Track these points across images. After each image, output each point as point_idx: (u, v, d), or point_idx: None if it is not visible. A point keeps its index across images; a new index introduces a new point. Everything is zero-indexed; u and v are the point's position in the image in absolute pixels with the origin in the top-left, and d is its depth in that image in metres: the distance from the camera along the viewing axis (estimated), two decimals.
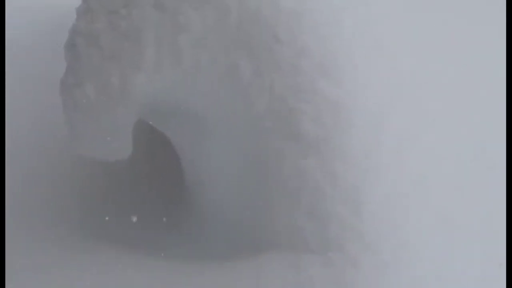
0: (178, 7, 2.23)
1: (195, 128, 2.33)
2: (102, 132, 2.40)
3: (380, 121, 1.94)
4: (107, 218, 2.60)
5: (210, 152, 2.29)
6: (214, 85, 2.15)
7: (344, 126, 1.92)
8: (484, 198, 2.09)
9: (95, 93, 2.37)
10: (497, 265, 1.98)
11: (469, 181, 2.07)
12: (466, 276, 1.98)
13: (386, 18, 2.14)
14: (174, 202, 2.55)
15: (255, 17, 2.07)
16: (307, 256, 1.87)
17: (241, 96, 2.07)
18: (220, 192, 2.23)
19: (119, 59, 2.33)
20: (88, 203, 2.79)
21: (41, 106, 2.88)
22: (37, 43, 3.18)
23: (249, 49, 2.06)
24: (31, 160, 2.82)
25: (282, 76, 1.98)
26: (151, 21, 2.28)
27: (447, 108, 2.09)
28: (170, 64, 2.23)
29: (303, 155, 1.91)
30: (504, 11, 2.60)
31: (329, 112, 1.91)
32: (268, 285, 1.88)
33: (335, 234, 1.87)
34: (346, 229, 1.85)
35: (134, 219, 2.43)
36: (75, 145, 2.45)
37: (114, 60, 2.34)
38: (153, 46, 2.27)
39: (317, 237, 1.89)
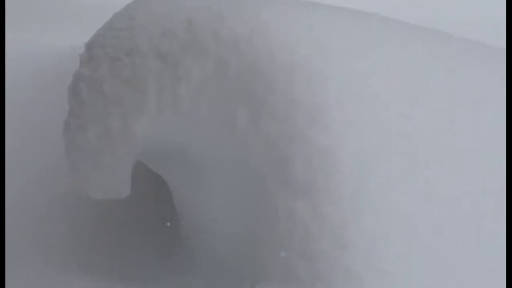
0: (178, 58, 2.39)
1: (192, 173, 2.47)
2: (101, 173, 2.53)
3: (366, 165, 2.10)
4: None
5: (206, 196, 2.43)
6: (212, 132, 2.30)
7: (332, 170, 2.08)
8: (471, 240, 2.24)
9: (97, 136, 2.50)
10: None
11: (455, 223, 2.22)
12: None
13: (375, 68, 2.31)
14: (169, 245, 2.67)
15: (253, 70, 2.23)
16: None
17: (238, 143, 2.22)
18: (214, 234, 2.37)
19: (121, 104, 2.46)
20: (81, 243, 2.89)
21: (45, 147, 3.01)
22: (41, 86, 3.32)
23: (246, 99, 2.21)
24: (30, 199, 2.93)
25: (277, 124, 2.14)
26: (152, 69, 2.43)
27: (434, 151, 2.25)
28: (170, 110, 2.38)
29: (294, 198, 2.07)
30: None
31: (319, 158, 2.07)
32: None
33: (323, 269, 2.02)
34: (333, 264, 2.01)
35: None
36: (75, 185, 2.57)
37: (116, 105, 2.47)
38: (154, 93, 2.41)
39: (307, 272, 2.04)
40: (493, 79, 2.63)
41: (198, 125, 2.33)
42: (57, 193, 2.94)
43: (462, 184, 2.25)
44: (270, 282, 2.07)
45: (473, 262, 2.16)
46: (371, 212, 2.07)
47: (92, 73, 2.58)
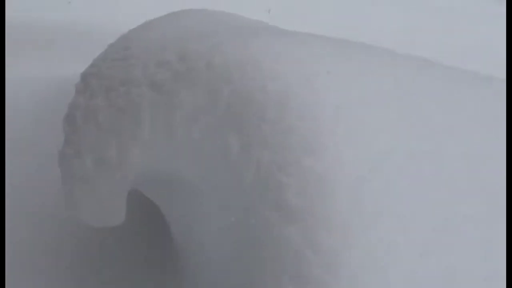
0: (172, 88, 2.45)
1: (187, 199, 2.52)
2: (97, 200, 2.57)
3: (359, 192, 2.16)
4: None
5: (200, 221, 2.48)
6: (205, 159, 2.35)
7: (325, 196, 2.13)
8: (465, 271, 2.29)
9: (93, 164, 2.54)
10: None
11: (446, 249, 2.27)
12: None
13: (365, 97, 2.38)
14: (164, 270, 2.71)
15: (244, 100, 2.29)
16: None
17: (230, 170, 2.27)
18: (209, 258, 2.41)
19: (116, 133, 2.51)
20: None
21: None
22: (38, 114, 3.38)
23: (238, 127, 2.27)
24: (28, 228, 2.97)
25: (269, 152, 2.20)
26: (147, 99, 2.48)
27: (422, 178, 2.31)
28: (164, 139, 2.43)
29: (287, 224, 2.11)
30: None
31: (312, 184, 2.12)
32: None
33: None
34: None
35: None
36: (71, 212, 2.61)
37: (112, 134, 2.52)
38: (148, 122, 2.46)
39: None
40: (483, 104, 2.70)
41: (191, 153, 2.38)
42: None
43: (447, 211, 2.30)
44: None
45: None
46: (363, 239, 2.11)
47: (87, 102, 2.64)
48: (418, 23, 5.92)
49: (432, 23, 5.96)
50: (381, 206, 2.16)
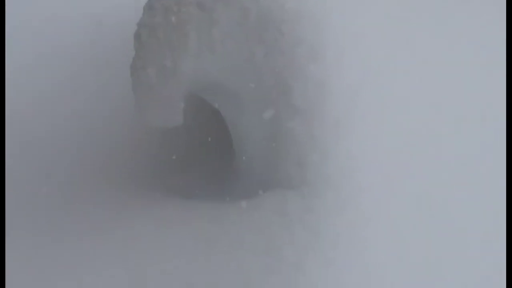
0: (213, 6, 2.86)
1: (230, 100, 2.97)
2: (160, 104, 3.05)
3: (352, 96, 2.54)
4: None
5: (241, 118, 2.94)
6: (238, 67, 2.78)
7: (323, 98, 2.52)
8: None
9: (155, 73, 3.02)
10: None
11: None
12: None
13: (371, 19, 2.71)
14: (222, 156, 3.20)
15: (267, 16, 2.68)
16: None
17: (256, 75, 2.69)
18: (249, 140, 2.89)
19: (171, 46, 2.97)
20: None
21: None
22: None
23: (262, 39, 2.67)
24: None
25: (284, 59, 2.59)
26: (194, 16, 2.91)
27: (411, 89, 2.67)
28: (206, 51, 2.86)
29: (292, 120, 2.53)
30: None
31: (313, 88, 2.52)
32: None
33: (310, 177, 2.50)
34: (317, 172, 2.49)
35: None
36: (139, 115, 3.12)
37: (168, 47, 2.98)
38: (195, 37, 2.90)
39: (298, 179, 2.53)
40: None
41: (227, 62, 2.80)
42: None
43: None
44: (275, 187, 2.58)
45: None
46: (352, 135, 2.50)
47: (151, 20, 3.09)
48: None
49: None
50: (369, 110, 2.52)
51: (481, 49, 2.94)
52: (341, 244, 2.41)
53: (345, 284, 2.38)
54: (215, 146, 3.28)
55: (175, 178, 3.22)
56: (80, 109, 3.54)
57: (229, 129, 3.13)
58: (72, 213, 3.01)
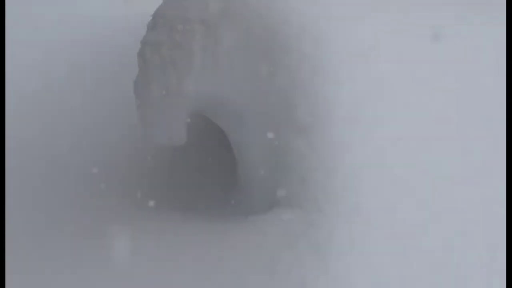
0: (217, 24, 2.85)
1: (234, 116, 2.96)
2: (164, 123, 3.04)
3: (354, 112, 2.54)
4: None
5: (247, 133, 2.92)
6: (242, 85, 2.77)
7: (327, 114, 2.52)
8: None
9: (158, 91, 3.01)
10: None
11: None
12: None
13: (373, 30, 2.71)
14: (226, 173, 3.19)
15: (272, 34, 2.68)
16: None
17: (260, 93, 2.68)
18: (253, 159, 2.88)
19: (175, 64, 2.96)
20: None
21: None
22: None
23: (267, 56, 2.67)
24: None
25: (288, 76, 2.58)
26: (198, 34, 2.90)
27: (413, 99, 2.65)
28: (211, 68, 2.86)
29: (296, 136, 2.52)
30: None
31: (317, 104, 2.51)
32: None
33: (312, 194, 2.49)
34: (322, 189, 2.49)
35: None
36: (143, 133, 3.10)
37: (171, 65, 2.97)
38: (199, 55, 2.89)
39: (302, 195, 2.52)
40: None
41: (232, 80, 2.80)
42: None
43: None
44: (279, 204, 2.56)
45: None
46: (354, 148, 2.49)
47: (155, 38, 3.08)
48: None
49: None
50: (374, 124, 2.51)
51: (482, 59, 2.94)
52: (346, 260, 2.40)
53: None
54: (218, 163, 3.27)
55: (178, 196, 3.21)
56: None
57: (233, 146, 3.12)
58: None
